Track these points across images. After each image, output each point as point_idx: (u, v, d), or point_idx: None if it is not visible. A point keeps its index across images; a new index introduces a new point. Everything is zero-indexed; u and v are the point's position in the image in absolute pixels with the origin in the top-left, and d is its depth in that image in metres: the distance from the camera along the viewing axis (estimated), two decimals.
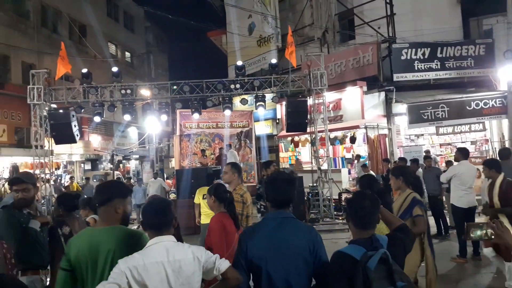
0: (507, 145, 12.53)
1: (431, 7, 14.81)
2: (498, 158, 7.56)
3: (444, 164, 11.58)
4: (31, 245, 3.42)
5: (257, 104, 12.06)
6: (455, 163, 7.65)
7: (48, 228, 3.71)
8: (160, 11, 25.07)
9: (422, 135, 14.53)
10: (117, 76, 11.77)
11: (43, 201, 11.28)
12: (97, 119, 12.13)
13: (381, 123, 14.06)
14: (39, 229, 3.50)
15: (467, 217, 6.31)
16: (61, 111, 11.65)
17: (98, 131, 24.22)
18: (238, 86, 11.77)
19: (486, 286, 5.59)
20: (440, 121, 13.09)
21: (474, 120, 12.97)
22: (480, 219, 6.92)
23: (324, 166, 12.30)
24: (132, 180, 17.26)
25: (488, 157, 11.99)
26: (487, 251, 5.24)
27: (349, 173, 14.28)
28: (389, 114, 14.16)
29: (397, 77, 14.01)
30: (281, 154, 17.50)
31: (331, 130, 13.36)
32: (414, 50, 14.06)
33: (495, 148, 12.41)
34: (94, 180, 18.55)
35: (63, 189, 15.22)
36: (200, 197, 6.79)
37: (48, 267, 3.70)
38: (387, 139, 14.11)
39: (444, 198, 9.26)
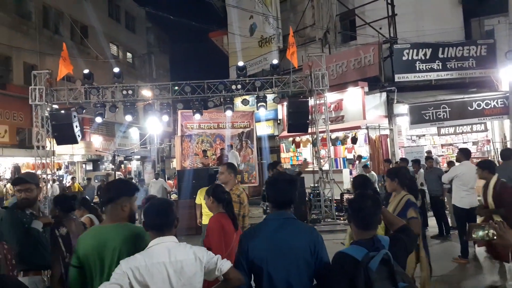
0: (508, 145, 12.52)
1: (432, 7, 14.80)
2: (500, 159, 7.57)
3: (445, 165, 11.57)
4: (34, 246, 3.42)
5: (259, 104, 12.07)
6: (456, 164, 7.64)
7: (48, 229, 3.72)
8: (161, 12, 25.13)
9: (424, 135, 14.51)
10: (119, 76, 11.79)
11: (45, 201, 11.28)
12: (98, 119, 12.14)
13: (382, 124, 14.05)
14: (42, 230, 3.50)
15: (469, 218, 6.31)
16: (62, 111, 11.67)
17: (100, 132, 24.24)
18: (239, 86, 11.78)
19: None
20: (441, 121, 13.08)
21: (476, 120, 12.96)
22: (481, 219, 6.91)
23: (326, 167, 12.30)
24: (133, 181, 17.27)
25: (489, 158, 12.00)
26: (479, 251, 5.25)
27: (351, 173, 14.27)
28: (390, 115, 14.15)
29: (398, 77, 14.00)
30: (282, 155, 17.49)
31: (332, 131, 13.35)
32: (415, 50, 14.05)
33: (497, 148, 12.40)
34: (96, 181, 18.57)
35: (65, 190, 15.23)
36: (201, 198, 6.80)
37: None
38: (388, 139, 14.10)
39: (445, 198, 9.24)
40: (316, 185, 11.87)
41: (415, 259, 3.88)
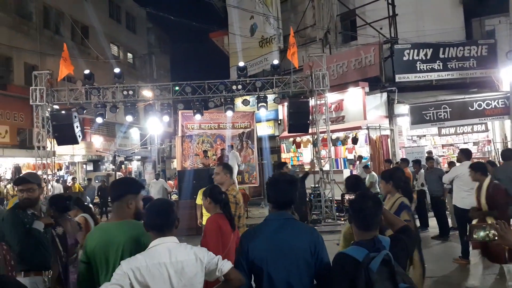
0: (509, 146, 12.50)
1: (433, 7, 14.79)
2: (500, 159, 7.56)
3: (446, 165, 11.57)
4: (34, 246, 3.42)
5: (259, 105, 12.07)
6: (457, 164, 7.63)
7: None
8: (162, 12, 25.14)
9: (424, 136, 14.50)
10: (119, 77, 11.80)
11: (46, 201, 11.29)
12: (99, 120, 12.15)
13: (383, 124, 14.03)
14: (43, 230, 3.50)
15: (469, 218, 6.30)
16: (63, 112, 11.69)
17: (100, 132, 24.25)
18: (240, 87, 11.78)
19: None
20: (442, 122, 13.06)
21: (477, 121, 12.94)
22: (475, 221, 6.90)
23: (326, 167, 12.29)
24: None
25: (490, 158, 11.99)
26: (474, 253, 5.26)
27: (351, 174, 14.26)
28: (391, 115, 14.14)
29: (399, 77, 13.98)
30: (283, 155, 17.48)
31: (333, 131, 13.34)
32: (416, 50, 14.04)
33: (498, 149, 12.38)
34: (96, 181, 18.58)
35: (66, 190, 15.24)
36: (202, 198, 6.81)
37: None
38: (389, 140, 14.08)
39: (446, 199, 9.23)
40: (316, 185, 11.87)
41: (409, 261, 3.87)
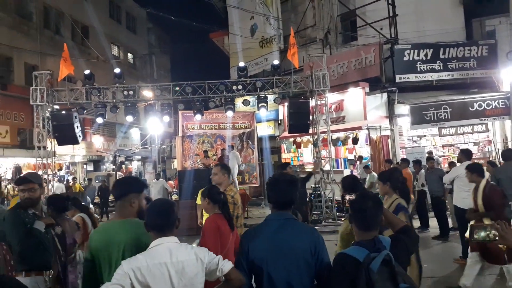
0: (510, 146, 12.49)
1: (433, 8, 14.78)
2: (501, 159, 7.56)
3: (446, 165, 11.56)
4: (35, 246, 3.43)
5: (259, 105, 12.07)
6: (458, 164, 7.63)
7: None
8: (162, 13, 25.14)
9: (425, 136, 14.49)
10: (120, 77, 11.80)
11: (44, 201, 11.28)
12: (99, 120, 12.15)
13: (383, 124, 14.03)
14: (44, 231, 3.51)
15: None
16: (63, 112, 11.69)
17: (101, 132, 24.25)
18: (240, 87, 11.78)
19: None
20: (442, 122, 13.05)
21: (477, 121, 12.93)
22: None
23: (327, 167, 12.29)
24: None
25: (491, 158, 11.99)
26: (472, 255, 5.27)
27: (351, 174, 14.25)
28: (391, 115, 14.13)
29: (399, 78, 13.97)
30: (283, 155, 17.48)
31: (333, 131, 13.34)
32: (416, 51, 14.03)
33: (498, 149, 12.38)
34: (97, 181, 18.58)
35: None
36: (200, 199, 6.81)
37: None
38: (389, 140, 14.08)
39: (447, 199, 9.23)
40: (317, 185, 11.86)
41: None
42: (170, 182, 17.90)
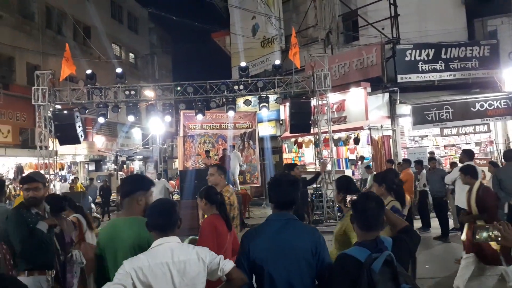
0: None
1: (435, 8, 14.76)
2: (503, 160, 7.55)
3: (448, 166, 11.54)
4: (38, 246, 3.44)
5: (261, 105, 12.06)
6: (459, 165, 7.62)
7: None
8: (164, 13, 25.14)
9: (426, 136, 14.47)
10: (121, 77, 11.81)
11: None
12: (101, 120, 12.17)
13: (385, 124, 14.01)
14: (46, 231, 3.51)
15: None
16: (65, 112, 11.70)
17: (102, 132, 24.30)
18: (241, 87, 11.77)
19: None
20: (444, 122, 13.03)
21: (479, 121, 12.91)
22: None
23: (328, 167, 12.28)
24: None
25: (492, 159, 11.96)
26: (467, 257, 5.26)
27: (353, 174, 14.23)
28: (393, 115, 14.11)
29: (401, 78, 13.96)
30: (285, 155, 17.47)
31: (334, 131, 13.33)
32: (418, 51, 14.01)
33: (500, 149, 12.35)
34: (98, 181, 18.61)
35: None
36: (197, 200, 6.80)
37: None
38: (391, 140, 14.06)
39: (448, 200, 9.22)
40: (318, 186, 11.85)
41: None
42: (172, 182, 17.93)
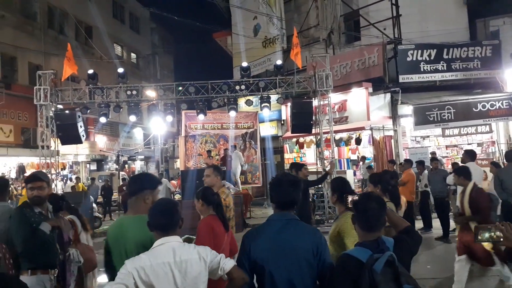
0: None
1: (437, 8, 14.74)
2: (504, 160, 7.53)
3: (450, 166, 11.52)
4: (40, 245, 3.44)
5: (262, 105, 12.05)
6: (461, 165, 7.60)
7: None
8: (165, 13, 25.14)
9: (428, 136, 14.44)
10: (123, 77, 11.82)
11: None
12: (103, 119, 12.17)
13: (386, 125, 13.99)
14: (49, 233, 3.52)
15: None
16: (67, 111, 11.71)
17: (104, 132, 24.32)
18: (243, 87, 11.77)
19: None
20: (446, 122, 13.01)
21: (481, 121, 12.88)
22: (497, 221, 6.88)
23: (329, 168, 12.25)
24: None
25: (494, 159, 11.94)
26: (459, 259, 5.26)
27: (355, 174, 14.23)
28: (394, 116, 14.09)
29: (402, 78, 13.94)
30: (286, 155, 17.47)
31: (336, 132, 13.31)
32: (420, 51, 13.99)
33: (502, 150, 12.33)
34: (100, 181, 18.63)
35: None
36: (194, 201, 6.79)
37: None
38: (392, 140, 14.04)
39: (450, 200, 9.20)
40: (319, 186, 11.84)
41: None
42: (173, 181, 17.93)
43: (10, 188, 14.52)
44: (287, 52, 16.55)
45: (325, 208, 11.54)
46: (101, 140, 23.83)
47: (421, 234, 3.85)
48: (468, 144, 13.60)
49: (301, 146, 16.07)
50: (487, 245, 4.81)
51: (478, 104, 12.75)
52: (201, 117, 12.57)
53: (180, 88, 11.81)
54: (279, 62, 12.52)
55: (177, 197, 14.18)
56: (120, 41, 27.85)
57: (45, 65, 18.39)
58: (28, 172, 16.36)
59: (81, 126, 11.54)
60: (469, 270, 5.28)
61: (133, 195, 2.75)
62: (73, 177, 19.33)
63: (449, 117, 12.89)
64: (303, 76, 12.71)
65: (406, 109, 13.85)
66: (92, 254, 4.31)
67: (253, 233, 2.54)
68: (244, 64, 12.25)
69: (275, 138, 17.98)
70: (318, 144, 12.55)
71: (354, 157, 15.16)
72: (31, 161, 17.43)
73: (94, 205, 13.10)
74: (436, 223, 9.44)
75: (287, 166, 16.82)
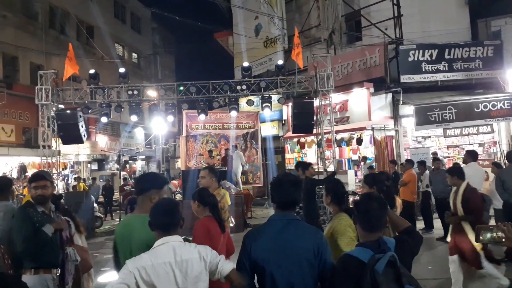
0: None
1: (438, 8, 14.71)
2: (506, 161, 7.52)
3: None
4: (42, 245, 3.45)
5: (263, 105, 12.05)
6: (462, 165, 7.60)
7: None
8: (167, 13, 25.16)
9: (429, 137, 14.42)
10: (124, 77, 11.82)
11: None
12: (104, 119, 12.18)
13: (388, 125, 13.98)
14: (52, 234, 3.52)
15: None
16: (68, 111, 11.72)
17: (105, 132, 24.35)
18: (244, 87, 11.77)
19: None
20: (447, 123, 12.98)
21: (482, 122, 12.86)
22: (489, 221, 6.87)
23: (331, 168, 12.26)
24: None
25: (496, 159, 11.92)
26: (452, 260, 5.26)
27: (356, 175, 14.20)
28: (396, 116, 14.08)
29: (404, 78, 13.92)
30: (287, 156, 17.47)
31: (337, 132, 13.30)
32: (421, 51, 13.97)
33: (503, 150, 12.30)
34: (101, 180, 18.65)
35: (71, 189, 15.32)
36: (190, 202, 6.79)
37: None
38: (394, 140, 14.03)
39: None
40: (321, 186, 11.82)
41: None
42: (174, 181, 17.92)
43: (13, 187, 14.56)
44: (288, 52, 16.54)
45: (326, 208, 11.51)
46: (102, 140, 23.85)
47: (422, 234, 3.85)
48: (470, 144, 13.57)
49: (302, 146, 16.06)
50: (477, 245, 4.82)
51: (480, 104, 12.73)
52: (202, 117, 12.57)
53: (181, 88, 11.82)
54: (280, 62, 12.52)
55: (178, 197, 14.18)
56: (122, 41, 27.88)
57: (47, 65, 18.41)
58: (29, 172, 16.39)
59: (82, 126, 11.55)
60: (468, 271, 5.28)
61: (140, 194, 2.78)
62: (74, 177, 19.37)
63: (451, 118, 12.87)
64: (304, 76, 12.70)
65: (407, 109, 13.83)
66: (87, 255, 4.31)
67: (254, 233, 2.53)
68: (245, 64, 12.25)
69: (276, 138, 17.98)
70: (319, 144, 12.54)
71: (355, 157, 15.15)
72: (32, 161, 17.45)
73: (95, 205, 13.12)
74: (437, 223, 9.43)
75: (288, 166, 16.85)
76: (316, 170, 12.75)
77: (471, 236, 4.84)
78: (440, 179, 9.03)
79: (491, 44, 14.03)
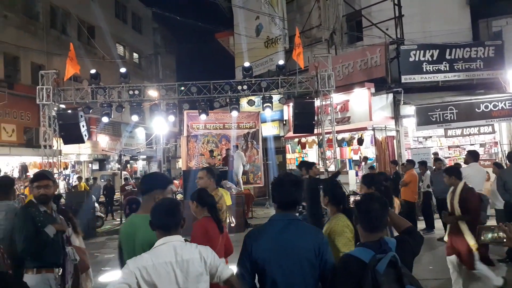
0: None
1: (439, 8, 14.70)
2: (507, 161, 7.51)
3: None
4: (44, 245, 3.45)
5: (264, 105, 12.06)
6: (464, 166, 7.59)
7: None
8: (168, 13, 25.18)
9: (430, 137, 14.41)
10: (125, 77, 11.83)
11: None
12: (105, 119, 12.20)
13: (389, 125, 13.97)
14: (53, 237, 3.52)
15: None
16: (69, 111, 11.74)
17: (106, 132, 24.36)
18: (245, 87, 11.77)
19: None
20: (448, 123, 12.98)
21: (483, 122, 12.85)
22: (490, 222, 6.86)
23: (331, 168, 12.25)
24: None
25: (497, 160, 11.90)
26: (450, 260, 5.26)
27: (357, 175, 14.20)
28: (397, 116, 14.07)
29: (405, 78, 13.91)
30: (288, 156, 17.47)
31: (338, 132, 13.30)
32: (422, 51, 13.96)
33: (504, 150, 12.29)
34: (102, 180, 18.66)
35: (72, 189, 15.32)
36: (189, 202, 6.80)
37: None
38: (395, 141, 14.02)
39: None
40: (321, 186, 11.81)
41: None
42: (175, 181, 17.93)
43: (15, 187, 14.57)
44: (289, 52, 16.54)
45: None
46: (103, 140, 23.86)
47: (423, 234, 3.85)
48: (471, 144, 13.56)
49: (303, 146, 16.06)
50: (473, 246, 4.83)
51: (481, 104, 12.72)
52: (203, 117, 12.58)
53: (182, 88, 11.83)
54: (281, 62, 12.53)
55: (179, 197, 14.18)
56: (123, 41, 27.89)
57: (48, 65, 18.43)
58: (30, 172, 16.40)
59: (83, 126, 11.57)
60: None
61: (144, 194, 2.80)
62: (75, 176, 19.39)
63: (452, 118, 12.87)
64: (305, 76, 12.70)
65: (408, 110, 13.82)
66: (84, 256, 4.32)
67: (255, 233, 2.53)
68: (246, 64, 12.26)
69: (277, 138, 17.98)
70: (320, 144, 12.54)
71: (356, 157, 15.14)
72: (33, 161, 17.46)
73: (96, 204, 13.12)
74: (438, 223, 9.42)
75: (288, 166, 16.85)
76: (343, 169, 12.77)
77: (468, 236, 4.85)
78: (441, 179, 8.97)
79: (492, 44, 14.02)
